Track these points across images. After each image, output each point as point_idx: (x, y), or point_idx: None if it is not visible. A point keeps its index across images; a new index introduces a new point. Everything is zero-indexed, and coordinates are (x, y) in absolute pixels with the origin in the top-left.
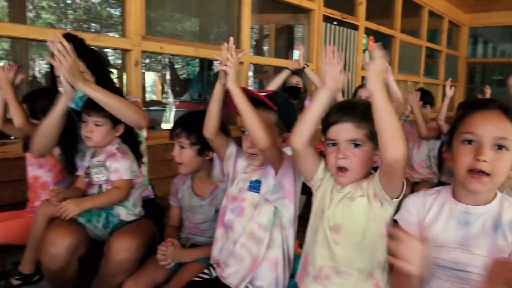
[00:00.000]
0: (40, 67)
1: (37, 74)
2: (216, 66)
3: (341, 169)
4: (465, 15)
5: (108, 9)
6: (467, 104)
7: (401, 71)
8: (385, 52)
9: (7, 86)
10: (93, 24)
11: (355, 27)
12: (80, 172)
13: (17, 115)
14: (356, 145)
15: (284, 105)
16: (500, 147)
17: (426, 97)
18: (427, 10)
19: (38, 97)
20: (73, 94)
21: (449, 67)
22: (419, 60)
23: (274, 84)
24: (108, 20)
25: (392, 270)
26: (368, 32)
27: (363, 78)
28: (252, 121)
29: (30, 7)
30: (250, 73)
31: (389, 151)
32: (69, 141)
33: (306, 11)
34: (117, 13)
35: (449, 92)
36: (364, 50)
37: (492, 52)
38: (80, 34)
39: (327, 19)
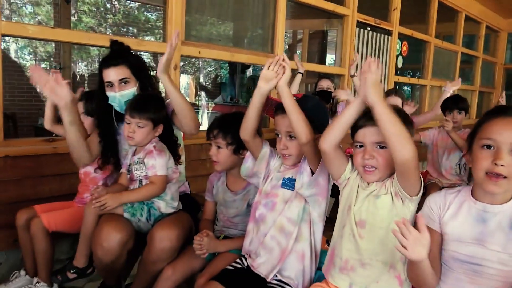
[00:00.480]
0: (80, 68)
1: (77, 75)
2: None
3: (369, 168)
4: (504, 20)
5: (145, 13)
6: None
7: (435, 77)
8: (380, 65)
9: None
10: (130, 28)
11: (388, 32)
12: (123, 169)
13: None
14: (382, 147)
15: (315, 108)
16: None
17: (461, 104)
18: (463, 15)
19: (93, 97)
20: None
21: (486, 73)
22: (454, 65)
23: (292, 89)
24: (145, 24)
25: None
26: (402, 37)
27: (395, 83)
28: (297, 116)
29: (73, 11)
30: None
31: (399, 154)
32: (110, 142)
33: (339, 16)
34: (154, 17)
35: (502, 101)
36: (398, 55)
37: None
38: (124, 40)
39: (361, 25)
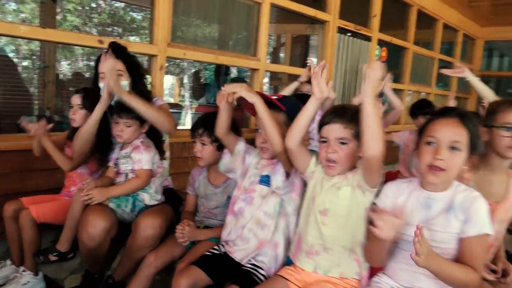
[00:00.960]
0: (63, 67)
1: (61, 75)
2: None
3: (330, 162)
4: (481, 28)
5: (131, 13)
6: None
7: (413, 82)
8: (383, 65)
9: (45, 138)
10: (116, 28)
11: (368, 38)
12: (110, 163)
13: (61, 162)
14: (343, 143)
15: (294, 108)
16: (454, 148)
17: (426, 108)
18: (441, 23)
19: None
20: (109, 102)
21: (462, 79)
22: (432, 71)
23: (285, 92)
24: (131, 24)
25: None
26: (382, 43)
27: None
28: (271, 127)
29: (58, 10)
30: (266, 80)
31: (369, 148)
32: (105, 139)
33: (321, 22)
34: (140, 17)
35: (452, 103)
36: (377, 60)
37: (508, 66)
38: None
39: (342, 30)
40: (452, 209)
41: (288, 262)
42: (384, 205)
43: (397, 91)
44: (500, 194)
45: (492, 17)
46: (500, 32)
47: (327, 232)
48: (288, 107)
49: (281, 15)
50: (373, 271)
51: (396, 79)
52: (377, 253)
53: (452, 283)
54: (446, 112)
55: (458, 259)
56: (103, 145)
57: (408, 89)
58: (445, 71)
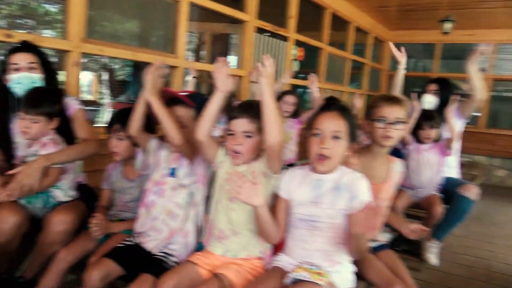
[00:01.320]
0: None
1: None
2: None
3: (236, 153)
4: (390, 31)
5: (44, 5)
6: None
7: (328, 80)
8: (273, 61)
9: None
10: (28, 21)
11: (285, 39)
12: (17, 161)
13: None
14: (248, 136)
15: (203, 103)
16: (336, 137)
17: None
18: (353, 26)
19: None
20: None
21: (374, 79)
22: (345, 71)
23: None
24: (44, 17)
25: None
26: (300, 43)
27: (293, 85)
28: (167, 123)
29: None
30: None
31: (271, 137)
32: (7, 135)
33: (240, 22)
34: (54, 10)
35: (358, 102)
36: (294, 60)
37: (414, 67)
38: (22, 36)
39: (260, 30)
40: (339, 188)
41: (199, 248)
42: (281, 190)
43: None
44: (381, 176)
45: (399, 21)
46: (406, 36)
47: (236, 218)
48: (198, 103)
49: (203, 13)
50: (275, 252)
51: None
52: (262, 226)
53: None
54: (328, 107)
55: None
56: (2, 141)
57: (324, 87)
58: (392, 48)
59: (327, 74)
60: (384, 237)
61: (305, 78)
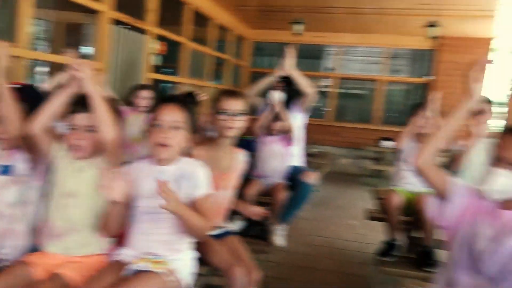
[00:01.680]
0: None
1: None
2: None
3: (76, 147)
4: (250, 30)
5: None
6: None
7: (192, 76)
8: (87, 62)
9: None
10: None
11: (144, 32)
12: None
13: None
14: (90, 131)
15: (34, 97)
16: (175, 127)
17: (189, 98)
18: (215, 23)
19: None
20: None
21: (237, 75)
22: (206, 66)
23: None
24: None
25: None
26: (162, 38)
27: (154, 80)
28: (8, 110)
29: None
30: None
31: (105, 134)
32: None
33: (94, 12)
34: None
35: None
36: (155, 54)
37: (274, 64)
38: None
39: (118, 22)
40: (180, 178)
41: (34, 249)
42: (127, 182)
43: (175, 84)
44: (226, 166)
45: (257, 21)
46: (264, 35)
47: (74, 214)
48: (29, 96)
49: (57, 0)
50: (119, 246)
51: (175, 72)
52: (113, 221)
53: (191, 225)
54: (168, 99)
55: None
56: None
57: (185, 82)
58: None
59: (190, 70)
60: (236, 225)
61: (168, 73)
